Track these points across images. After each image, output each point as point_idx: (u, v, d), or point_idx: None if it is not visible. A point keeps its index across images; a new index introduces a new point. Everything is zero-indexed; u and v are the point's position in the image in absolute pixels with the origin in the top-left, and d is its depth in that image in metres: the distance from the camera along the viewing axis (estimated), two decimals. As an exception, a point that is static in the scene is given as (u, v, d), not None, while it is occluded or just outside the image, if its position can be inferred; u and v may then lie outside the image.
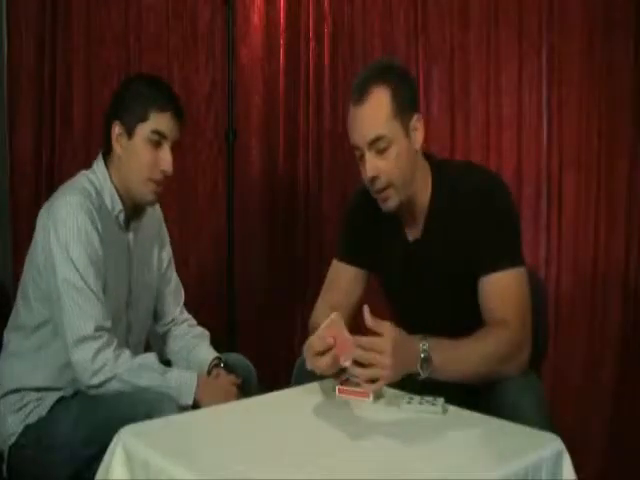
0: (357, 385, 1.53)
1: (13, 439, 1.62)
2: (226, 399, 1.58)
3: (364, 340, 1.35)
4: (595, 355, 2.60)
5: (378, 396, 1.50)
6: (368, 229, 1.79)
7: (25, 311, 1.68)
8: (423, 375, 1.41)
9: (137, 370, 1.58)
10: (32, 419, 1.62)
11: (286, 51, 3.02)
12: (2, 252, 2.41)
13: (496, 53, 2.77)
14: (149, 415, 1.42)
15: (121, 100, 1.71)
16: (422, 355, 1.40)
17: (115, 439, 1.28)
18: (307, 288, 3.08)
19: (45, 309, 1.64)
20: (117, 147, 1.71)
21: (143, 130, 1.68)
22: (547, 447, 1.24)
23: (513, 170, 2.71)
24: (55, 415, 1.61)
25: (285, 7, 3.00)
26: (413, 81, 1.71)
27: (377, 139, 1.58)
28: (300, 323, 3.05)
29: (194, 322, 1.96)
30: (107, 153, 1.74)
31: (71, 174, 2.47)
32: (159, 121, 1.68)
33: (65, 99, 2.48)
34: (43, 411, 1.62)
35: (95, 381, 1.55)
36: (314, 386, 1.60)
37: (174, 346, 1.91)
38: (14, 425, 1.62)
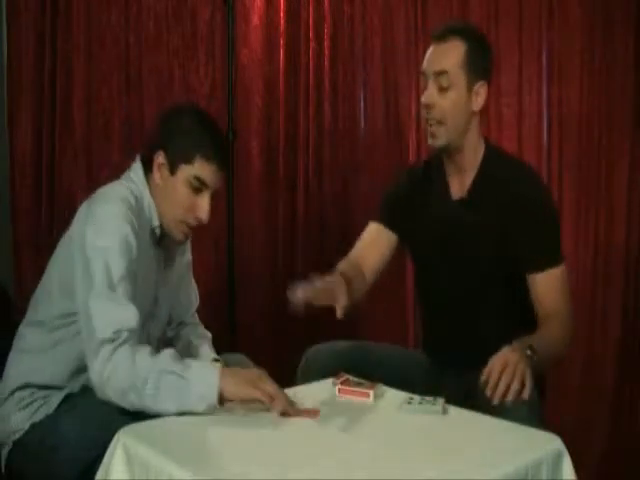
0: (357, 385, 1.53)
1: (17, 435, 1.60)
2: (255, 390, 1.40)
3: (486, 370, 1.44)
4: (595, 355, 2.61)
5: (378, 396, 1.50)
6: (413, 200, 1.89)
7: (45, 306, 1.64)
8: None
9: (155, 390, 1.40)
10: (38, 417, 1.59)
11: (286, 51, 3.02)
12: (2, 252, 2.40)
13: (496, 53, 2.77)
14: (155, 414, 1.40)
15: (169, 131, 1.65)
16: (533, 357, 1.51)
17: (115, 439, 1.29)
18: (307, 288, 3.08)
19: (67, 303, 1.58)
20: (157, 176, 1.66)
21: (186, 172, 1.62)
22: (547, 447, 1.25)
23: (513, 170, 2.70)
24: (62, 414, 1.58)
25: (285, 7, 3.00)
26: (491, 55, 1.82)
27: (442, 72, 1.71)
28: (301, 323, 3.05)
29: (201, 326, 1.94)
30: (147, 166, 1.68)
31: (71, 174, 2.50)
32: (204, 170, 1.62)
33: (65, 99, 2.47)
34: (50, 409, 1.60)
35: (110, 393, 1.44)
36: (314, 386, 1.60)
37: (176, 346, 1.90)
38: (20, 422, 1.60)
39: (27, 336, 1.67)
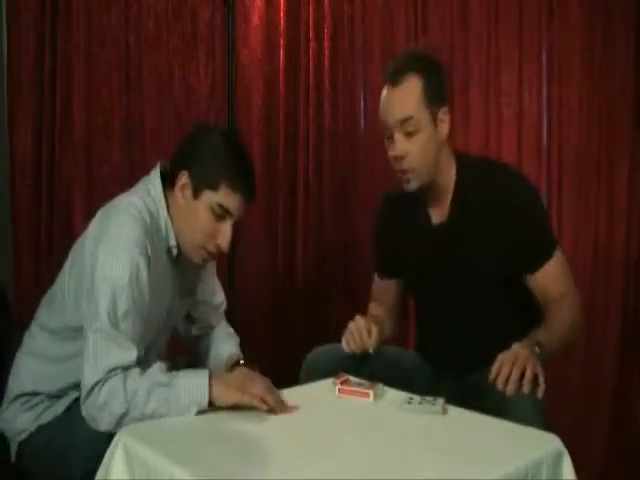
0: (357, 385, 1.53)
1: (23, 436, 1.58)
2: (243, 395, 1.40)
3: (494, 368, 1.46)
4: (595, 355, 2.61)
5: (378, 396, 1.50)
6: (395, 232, 1.91)
7: (59, 315, 1.58)
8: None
9: (144, 398, 1.39)
10: (46, 419, 1.57)
11: (286, 51, 3.01)
12: (2, 252, 2.40)
13: (496, 53, 2.78)
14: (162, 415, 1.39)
15: (196, 152, 1.58)
16: (538, 351, 1.53)
17: (115, 439, 1.29)
18: (308, 288, 3.08)
19: (79, 317, 1.51)
20: (180, 196, 1.59)
21: (210, 198, 1.55)
22: (547, 447, 1.24)
23: (513, 170, 2.70)
24: (71, 414, 1.53)
25: (285, 7, 3.00)
26: (444, 75, 1.80)
27: (406, 119, 1.69)
28: (301, 323, 3.05)
29: (229, 327, 1.92)
30: (166, 179, 1.62)
31: (71, 174, 2.50)
32: (228, 199, 1.56)
33: (65, 99, 2.47)
34: (59, 410, 1.57)
35: (104, 426, 1.40)
36: (314, 386, 1.60)
37: (201, 345, 1.89)
38: (25, 423, 1.58)
39: (39, 340, 1.63)
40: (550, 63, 2.70)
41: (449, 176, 1.78)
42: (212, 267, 1.88)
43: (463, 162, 1.80)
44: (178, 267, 1.68)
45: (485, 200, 1.73)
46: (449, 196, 1.78)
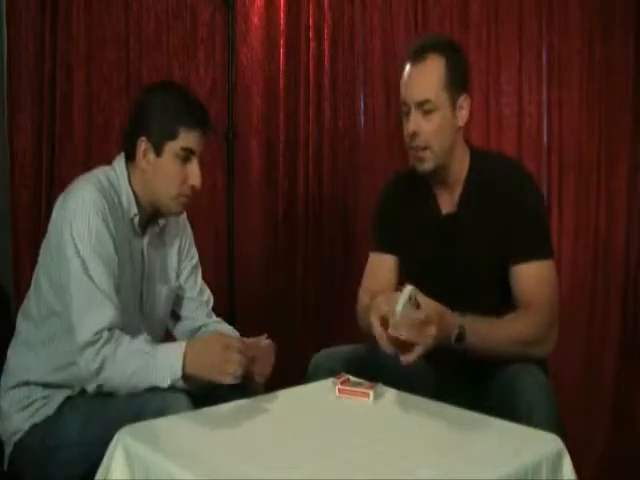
0: (357, 385, 1.53)
1: (18, 436, 1.60)
2: (222, 363, 1.48)
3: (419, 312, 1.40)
4: (595, 355, 2.61)
5: (378, 396, 1.50)
6: (401, 213, 1.85)
7: (36, 300, 1.65)
8: (456, 347, 1.49)
9: (128, 358, 1.50)
10: (39, 418, 1.59)
11: (286, 51, 3.02)
12: (2, 252, 2.40)
13: (496, 53, 2.78)
14: (159, 413, 1.40)
15: (147, 114, 1.64)
16: (457, 330, 1.50)
17: (115, 439, 1.28)
18: (308, 288, 3.08)
19: (56, 301, 1.60)
20: (142, 162, 1.65)
21: (172, 148, 1.62)
22: (547, 447, 1.24)
23: (513, 170, 2.70)
24: (63, 414, 1.58)
25: (285, 7, 3.00)
26: (467, 64, 1.79)
27: (425, 102, 1.67)
28: (301, 323, 3.05)
29: (224, 323, 1.93)
30: (129, 158, 1.68)
31: (71, 174, 2.49)
32: (188, 139, 1.63)
33: (65, 99, 2.48)
34: (50, 410, 1.60)
35: (92, 385, 1.52)
36: (314, 386, 1.60)
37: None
38: (19, 422, 1.60)
39: (22, 330, 1.68)
40: (550, 63, 2.70)
41: (462, 165, 1.76)
42: (197, 264, 1.90)
43: (477, 154, 1.79)
44: (146, 244, 1.72)
45: (493, 195, 1.71)
46: (460, 186, 1.76)
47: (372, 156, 3.03)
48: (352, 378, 1.57)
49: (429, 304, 1.42)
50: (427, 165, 1.71)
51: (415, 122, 1.69)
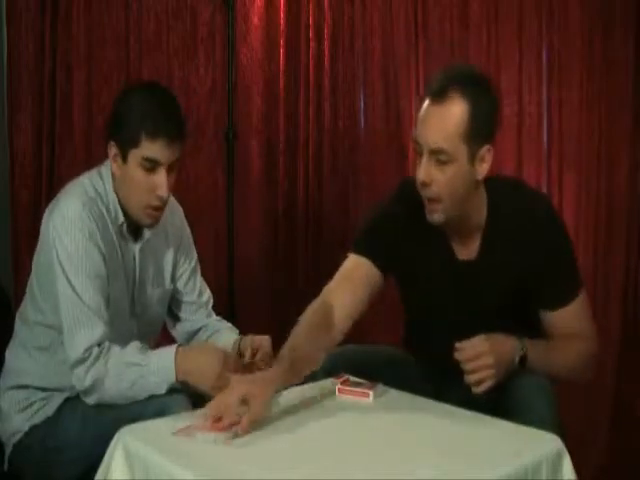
0: (357, 385, 1.53)
1: (18, 437, 1.60)
2: (213, 368, 1.48)
3: (462, 345, 1.43)
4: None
5: (378, 396, 1.50)
6: (406, 234, 1.69)
7: (32, 307, 1.64)
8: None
9: (121, 372, 1.49)
10: (38, 419, 1.59)
11: (286, 51, 3.01)
12: (2, 252, 2.40)
13: (496, 53, 2.78)
14: (159, 413, 1.41)
15: (117, 117, 1.58)
16: (521, 352, 1.49)
17: (115, 439, 1.29)
18: (308, 288, 3.08)
19: (50, 314, 1.59)
20: (114, 167, 1.60)
21: (135, 156, 1.54)
22: (547, 447, 1.25)
23: (513, 170, 2.71)
24: (62, 415, 1.58)
25: (285, 7, 3.00)
26: (495, 108, 1.57)
27: (439, 151, 1.49)
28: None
29: (224, 322, 1.92)
30: None
31: (71, 174, 2.48)
32: (151, 148, 1.53)
33: (65, 99, 2.47)
34: (50, 411, 1.60)
35: (90, 401, 1.52)
36: (314, 386, 1.60)
37: (199, 338, 1.87)
38: (19, 423, 1.60)
39: (20, 332, 1.68)
40: (550, 63, 2.70)
41: (480, 215, 1.62)
42: (196, 266, 1.87)
43: (494, 196, 1.62)
44: (137, 250, 1.68)
45: (516, 238, 1.59)
46: (479, 234, 1.63)
47: (372, 156, 3.02)
48: (352, 378, 1.57)
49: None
50: (437, 217, 1.56)
51: (427, 171, 1.51)
